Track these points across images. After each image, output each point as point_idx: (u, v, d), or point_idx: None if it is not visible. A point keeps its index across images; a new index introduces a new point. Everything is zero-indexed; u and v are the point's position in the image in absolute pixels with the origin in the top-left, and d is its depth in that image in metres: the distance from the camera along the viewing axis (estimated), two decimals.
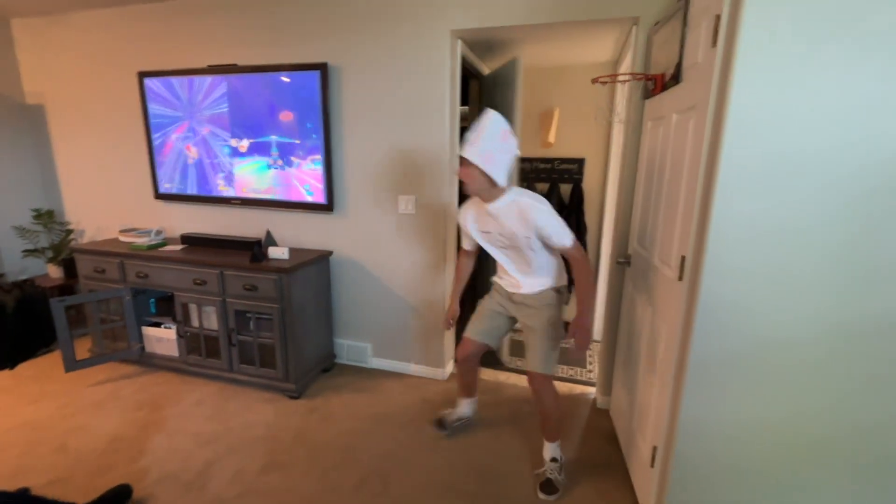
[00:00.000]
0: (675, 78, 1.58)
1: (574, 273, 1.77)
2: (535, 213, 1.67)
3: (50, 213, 3.32)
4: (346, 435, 2.19)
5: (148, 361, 2.80)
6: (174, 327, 2.68)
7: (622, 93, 2.69)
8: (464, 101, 3.10)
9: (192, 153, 2.89)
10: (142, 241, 2.75)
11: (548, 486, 1.82)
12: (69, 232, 3.40)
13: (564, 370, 2.89)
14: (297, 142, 2.62)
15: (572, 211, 3.21)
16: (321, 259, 2.66)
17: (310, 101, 2.53)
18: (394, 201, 2.58)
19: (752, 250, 1.24)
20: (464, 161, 1.69)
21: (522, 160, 3.36)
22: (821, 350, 1.24)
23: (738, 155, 1.19)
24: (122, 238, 2.87)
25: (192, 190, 2.96)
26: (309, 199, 2.69)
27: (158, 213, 3.16)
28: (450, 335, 2.76)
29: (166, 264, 2.57)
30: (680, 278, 1.42)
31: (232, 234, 2.94)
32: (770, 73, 1.14)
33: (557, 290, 1.87)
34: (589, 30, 2.31)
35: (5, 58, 3.23)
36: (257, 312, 2.47)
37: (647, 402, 1.73)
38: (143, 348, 2.77)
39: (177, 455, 2.02)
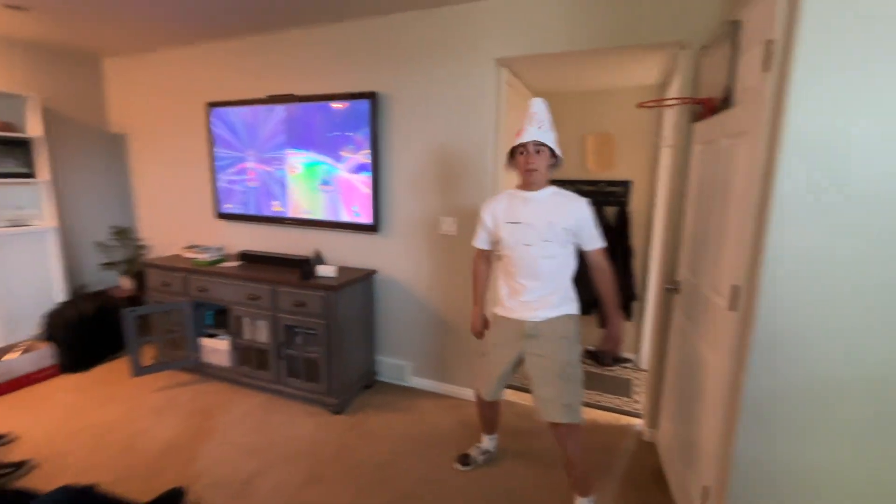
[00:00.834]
0: (726, 102, 1.54)
1: (600, 282, 1.71)
2: (580, 204, 1.68)
3: (126, 231, 3.66)
4: (383, 454, 2.21)
5: (203, 371, 2.97)
6: (228, 339, 2.84)
7: (670, 116, 2.64)
8: None
9: (251, 176, 3.10)
10: (203, 257, 2.96)
11: None
12: (141, 247, 3.72)
13: (608, 399, 2.78)
14: (347, 165, 2.75)
15: (618, 234, 3.14)
16: (366, 278, 2.75)
17: (359, 128, 2.66)
18: (435, 222, 2.64)
19: (812, 281, 1.17)
20: (535, 147, 1.66)
21: (565, 182, 3.34)
22: (892, 390, 1.14)
23: (794, 182, 1.15)
24: (186, 254, 3.11)
25: (249, 210, 3.17)
26: (356, 220, 2.80)
27: (219, 231, 3.40)
28: None
29: (224, 279, 2.74)
30: (732, 308, 1.36)
31: (284, 252, 3.10)
32: (826, 99, 1.10)
33: (573, 318, 1.73)
34: (635, 54, 2.30)
35: (96, 92, 3.65)
36: (305, 328, 2.58)
37: (697, 437, 1.64)
38: (199, 358, 2.95)
39: (225, 463, 2.12)
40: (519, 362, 1.82)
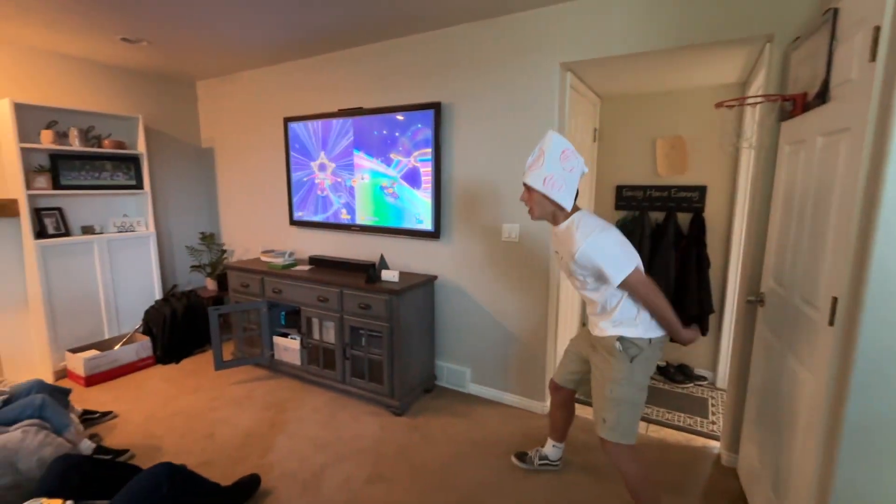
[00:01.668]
0: (821, 97, 1.41)
1: (646, 305, 1.56)
2: (581, 245, 1.52)
3: (212, 236, 4.02)
4: (445, 457, 2.23)
5: (275, 367, 3.17)
6: (299, 338, 3.01)
7: (752, 116, 2.45)
8: None
9: (322, 186, 3.29)
10: (277, 261, 3.18)
11: None
12: (224, 251, 4.07)
13: (682, 419, 2.61)
14: (410, 174, 2.84)
15: (692, 242, 2.96)
16: (427, 283, 2.81)
17: (423, 138, 2.74)
18: (497, 229, 2.64)
19: None
20: (527, 187, 1.65)
21: (634, 188, 3.21)
22: None
23: None
24: (263, 258, 3.35)
25: (319, 217, 3.36)
26: (418, 226, 2.87)
27: (292, 237, 3.63)
28: (551, 368, 2.68)
29: (296, 282, 2.92)
30: (831, 323, 1.23)
31: (351, 257, 3.25)
32: None
33: (623, 341, 1.59)
34: (713, 52, 2.17)
35: (191, 111, 4.07)
36: (369, 330, 2.67)
37: (788, 464, 1.49)
38: (272, 355, 3.15)
39: (296, 455, 2.24)
40: (587, 364, 1.84)
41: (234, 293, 3.31)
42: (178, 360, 3.41)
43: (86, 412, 2.51)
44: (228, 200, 4.09)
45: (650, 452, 2.27)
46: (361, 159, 3.04)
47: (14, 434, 1.79)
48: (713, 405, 2.77)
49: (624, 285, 1.54)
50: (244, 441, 2.36)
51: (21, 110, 2.88)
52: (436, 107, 2.66)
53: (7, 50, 2.94)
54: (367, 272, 2.70)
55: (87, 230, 3.28)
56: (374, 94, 2.99)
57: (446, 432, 2.45)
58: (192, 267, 3.98)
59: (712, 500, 1.93)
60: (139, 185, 3.51)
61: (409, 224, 2.92)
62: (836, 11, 1.37)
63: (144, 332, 3.41)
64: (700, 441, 2.38)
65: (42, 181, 3.01)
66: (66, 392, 2.32)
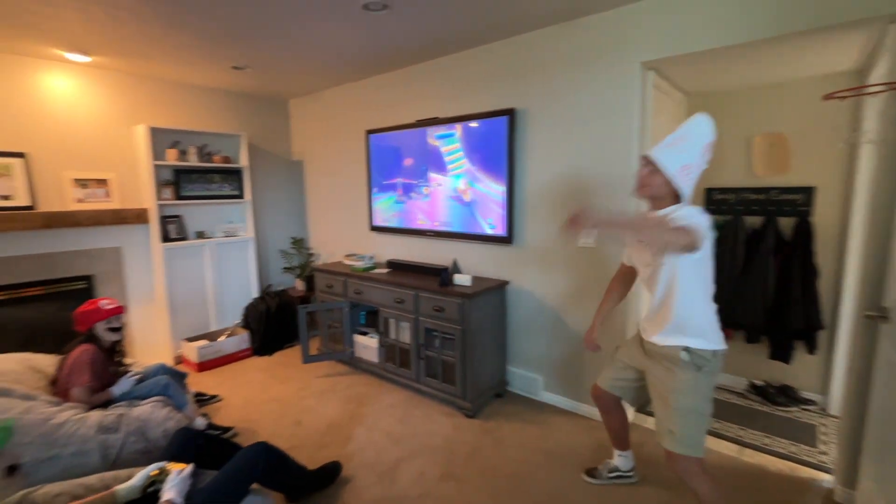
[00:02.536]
0: None
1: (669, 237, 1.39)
2: (680, 213, 1.44)
3: (301, 241, 4.38)
4: (516, 463, 2.22)
5: (355, 364, 3.37)
6: (377, 337, 3.18)
7: (873, 107, 2.16)
8: None
9: (399, 193, 3.46)
10: (358, 264, 3.38)
11: None
12: (311, 255, 4.41)
13: (784, 445, 2.34)
14: (483, 179, 2.88)
15: (796, 250, 2.65)
16: (499, 288, 2.82)
17: (497, 143, 2.77)
18: (573, 234, 2.58)
19: None
20: (650, 164, 1.55)
21: (725, 190, 2.96)
22: None
23: None
24: (345, 261, 3.58)
25: (397, 224, 3.53)
26: (490, 232, 2.90)
27: (372, 242, 3.85)
28: None
29: (375, 284, 3.09)
30: None
31: (425, 261, 3.37)
32: None
33: (689, 351, 1.51)
34: (822, 37, 1.96)
35: (284, 127, 4.49)
36: (442, 332, 2.75)
37: None
38: (353, 352, 3.36)
39: (373, 447, 2.37)
40: (639, 378, 1.80)
41: (320, 293, 3.58)
42: (271, 353, 3.75)
43: (198, 394, 2.86)
44: (316, 208, 4.44)
45: (744, 479, 2.07)
46: (435, 167, 3.15)
47: (145, 408, 2.10)
48: (823, 433, 2.45)
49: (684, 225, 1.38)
50: (327, 430, 2.54)
51: (154, 133, 3.38)
52: (510, 113, 2.69)
53: (145, 83, 3.48)
54: (441, 276, 2.78)
55: (200, 235, 3.75)
56: (449, 104, 3.09)
57: (518, 438, 2.43)
58: (284, 269, 4.37)
59: None
60: (241, 195, 3.94)
61: (481, 230, 2.96)
62: None
63: (243, 327, 3.80)
64: (806, 472, 2.13)
65: (167, 193, 3.51)
66: (184, 375, 2.66)
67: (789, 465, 2.18)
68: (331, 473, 2.08)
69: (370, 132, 3.59)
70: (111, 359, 2.31)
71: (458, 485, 2.06)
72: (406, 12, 2.31)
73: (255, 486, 1.63)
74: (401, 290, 2.92)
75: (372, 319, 3.33)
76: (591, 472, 2.09)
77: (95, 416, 1.95)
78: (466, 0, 2.18)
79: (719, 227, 2.93)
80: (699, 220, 1.41)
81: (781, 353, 2.77)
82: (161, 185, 3.48)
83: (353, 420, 2.64)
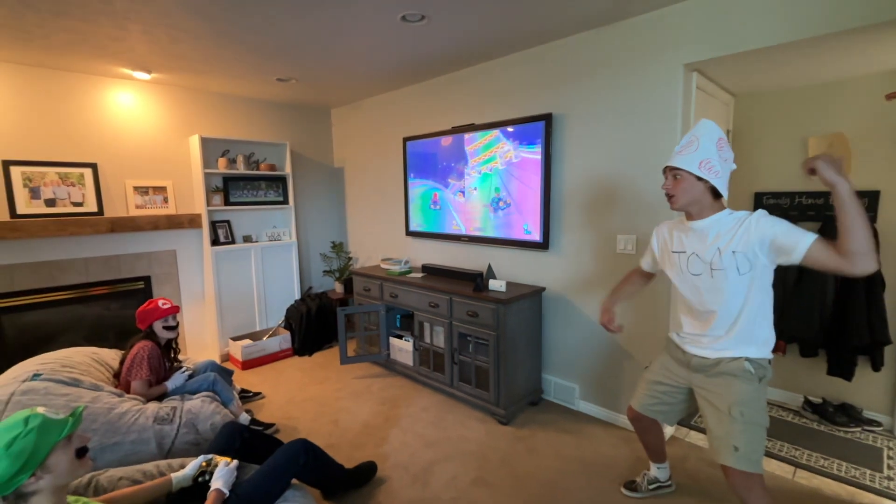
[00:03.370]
0: None
1: (841, 251, 1.25)
2: (753, 219, 1.41)
3: (341, 245, 4.52)
4: (550, 471, 2.19)
5: (391, 366, 3.43)
6: (412, 341, 3.22)
7: None
8: None
9: (435, 198, 3.50)
10: (394, 268, 3.45)
11: None
12: (350, 259, 4.54)
13: (844, 468, 2.18)
14: (519, 184, 2.87)
15: None
16: (534, 294, 2.80)
17: (533, 149, 2.76)
18: (611, 240, 2.53)
19: None
20: (674, 172, 1.53)
21: (778, 195, 2.81)
22: None
23: None
24: (382, 265, 3.66)
25: (432, 229, 3.58)
26: (526, 237, 2.89)
27: (408, 246, 3.92)
28: None
29: (410, 288, 3.14)
30: None
31: (460, 266, 3.39)
32: None
33: (752, 361, 1.47)
34: (880, 32, 1.83)
35: (326, 136, 4.65)
36: (476, 337, 2.75)
37: None
38: (388, 355, 3.42)
39: (407, 449, 2.40)
40: (680, 397, 1.75)
41: (357, 296, 3.67)
42: (310, 353, 3.89)
43: (242, 391, 3.01)
44: (355, 213, 4.57)
45: (798, 502, 1.95)
46: (472, 172, 3.17)
47: (196, 402, 2.24)
48: (890, 457, 2.26)
49: (812, 251, 1.29)
50: (362, 430, 2.60)
51: (205, 143, 3.61)
52: (547, 118, 2.67)
53: (197, 95, 3.72)
54: (475, 281, 2.79)
55: (247, 239, 3.95)
56: (485, 110, 3.11)
57: (553, 447, 2.40)
58: (324, 272, 4.52)
59: None
60: (285, 201, 4.11)
61: (517, 235, 2.95)
62: None
63: (285, 327, 3.96)
64: (868, 498, 1.97)
65: (217, 199, 3.72)
66: (231, 373, 2.80)
67: (849, 489, 2.03)
68: (366, 473, 2.13)
69: (407, 139, 3.66)
70: (167, 355, 2.47)
71: (491, 490, 2.06)
72: (443, 22, 2.36)
73: (294, 480, 1.70)
74: (435, 294, 2.95)
75: (407, 323, 3.38)
76: (631, 486, 2.03)
77: (152, 407, 2.10)
78: (503, 8, 2.19)
79: None
80: (795, 227, 1.37)
81: (842, 370, 2.58)
82: (211, 191, 3.70)
83: (387, 421, 2.69)
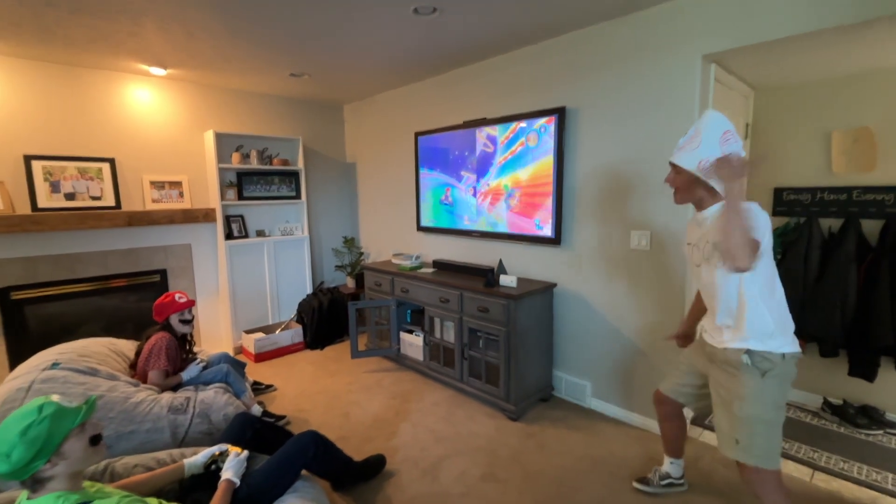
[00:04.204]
0: None
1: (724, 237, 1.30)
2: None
3: (352, 240, 4.54)
4: (560, 469, 2.17)
5: (401, 361, 3.44)
6: (422, 336, 3.22)
7: None
8: None
9: (447, 193, 3.49)
10: (405, 263, 3.45)
11: None
12: (361, 253, 4.56)
13: (865, 471, 2.12)
14: (531, 179, 2.84)
15: (883, 256, 2.39)
16: (546, 290, 2.77)
17: (546, 143, 2.73)
18: (625, 236, 2.49)
19: None
20: (675, 168, 1.56)
21: (798, 190, 2.73)
22: None
23: None
24: (393, 260, 3.67)
25: (443, 224, 3.57)
26: (538, 232, 2.86)
27: (419, 241, 3.91)
28: None
29: (421, 283, 3.14)
30: None
31: (471, 261, 3.37)
32: None
33: (752, 354, 1.43)
34: None
35: (339, 131, 4.67)
36: (487, 332, 2.74)
37: None
38: (399, 349, 3.43)
39: (417, 444, 2.40)
40: (705, 381, 1.71)
41: (369, 291, 3.69)
42: (322, 347, 3.92)
43: (255, 383, 3.04)
44: (366, 208, 4.59)
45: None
46: (482, 167, 3.15)
47: (209, 393, 2.27)
48: None
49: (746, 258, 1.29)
50: (373, 423, 2.62)
51: (219, 138, 3.65)
52: (560, 112, 2.63)
53: (212, 91, 3.76)
54: (486, 276, 2.77)
55: (260, 233, 3.99)
56: (497, 104, 3.08)
57: (562, 444, 2.38)
58: (336, 267, 4.55)
59: None
60: (298, 196, 4.14)
61: (529, 230, 2.92)
62: None
63: (297, 321, 3.99)
64: (891, 502, 1.91)
65: (231, 194, 3.76)
66: (243, 365, 2.84)
67: (870, 493, 1.97)
68: (375, 466, 2.14)
69: (419, 134, 3.65)
70: (182, 347, 2.51)
71: (500, 486, 2.05)
72: (455, 14, 2.33)
73: (304, 472, 1.71)
74: (446, 289, 2.94)
75: (418, 318, 3.38)
76: (643, 480, 2.01)
77: (167, 397, 2.14)
78: (515, 0, 2.16)
79: (790, 231, 2.71)
80: (760, 222, 1.34)
81: (864, 370, 2.50)
82: (225, 186, 3.74)
83: (397, 416, 2.70)
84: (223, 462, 1.55)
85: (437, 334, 3.12)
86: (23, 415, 1.09)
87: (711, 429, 2.48)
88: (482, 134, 3.12)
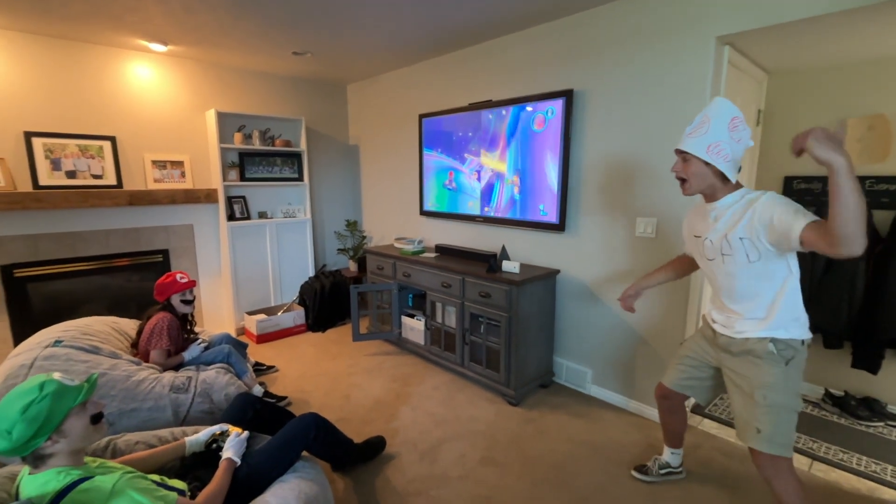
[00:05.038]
0: None
1: (828, 235, 1.16)
2: (759, 203, 1.35)
3: (355, 223, 4.51)
4: (558, 454, 2.18)
5: (402, 344, 3.45)
6: (423, 320, 3.22)
7: None
8: None
9: (450, 177, 3.45)
10: (408, 247, 3.43)
11: None
12: (363, 237, 4.54)
13: (864, 463, 2.12)
14: (536, 164, 2.79)
15: (893, 246, 2.35)
16: (548, 276, 2.75)
17: (552, 127, 2.67)
18: (630, 223, 2.46)
19: None
20: (682, 155, 1.51)
21: (809, 179, 2.67)
22: None
23: None
24: (396, 244, 3.65)
25: (446, 208, 3.53)
26: (542, 218, 2.82)
27: (422, 226, 3.89)
28: None
29: (423, 268, 3.13)
30: None
31: (474, 246, 3.35)
32: None
33: (777, 342, 1.41)
34: None
35: (342, 112, 4.60)
36: (488, 318, 2.73)
37: None
38: (400, 333, 3.43)
39: (417, 427, 2.42)
40: (712, 375, 1.72)
41: (371, 275, 3.68)
42: (323, 330, 3.93)
43: (256, 364, 3.06)
44: (369, 191, 4.55)
45: (812, 495, 1.90)
46: (488, 151, 3.10)
47: (211, 373, 2.28)
48: None
49: (807, 233, 1.22)
50: (373, 406, 2.63)
51: (221, 118, 3.60)
52: (567, 94, 2.57)
53: (214, 69, 3.69)
54: (489, 262, 2.75)
55: (262, 215, 3.97)
56: (503, 87, 3.01)
57: (562, 430, 2.38)
58: (338, 250, 4.54)
59: None
60: (300, 178, 4.11)
61: (533, 216, 2.88)
62: None
63: (299, 303, 4.00)
64: (890, 494, 1.91)
65: (233, 175, 3.73)
66: (245, 346, 2.85)
67: (868, 484, 1.97)
68: (375, 447, 2.15)
69: (423, 116, 3.59)
70: (183, 327, 2.51)
71: (499, 470, 2.06)
72: None
73: (304, 453, 1.72)
74: (448, 274, 2.93)
75: (419, 302, 3.38)
76: (642, 469, 2.01)
77: (168, 376, 2.15)
78: None
79: None
80: (795, 211, 1.27)
81: (867, 362, 2.48)
82: (227, 167, 3.71)
83: (398, 399, 2.72)
84: (224, 442, 1.56)
85: (439, 319, 3.12)
86: (24, 392, 1.09)
87: (711, 417, 2.49)
88: (488, 116, 3.06)
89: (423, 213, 3.76)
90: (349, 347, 3.52)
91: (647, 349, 2.47)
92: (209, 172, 3.73)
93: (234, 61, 3.62)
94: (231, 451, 1.50)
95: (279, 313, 3.80)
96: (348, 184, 4.71)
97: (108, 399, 1.91)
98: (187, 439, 1.56)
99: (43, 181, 2.98)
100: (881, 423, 2.43)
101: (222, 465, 1.45)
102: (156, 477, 1.28)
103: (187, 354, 2.40)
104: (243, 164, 3.80)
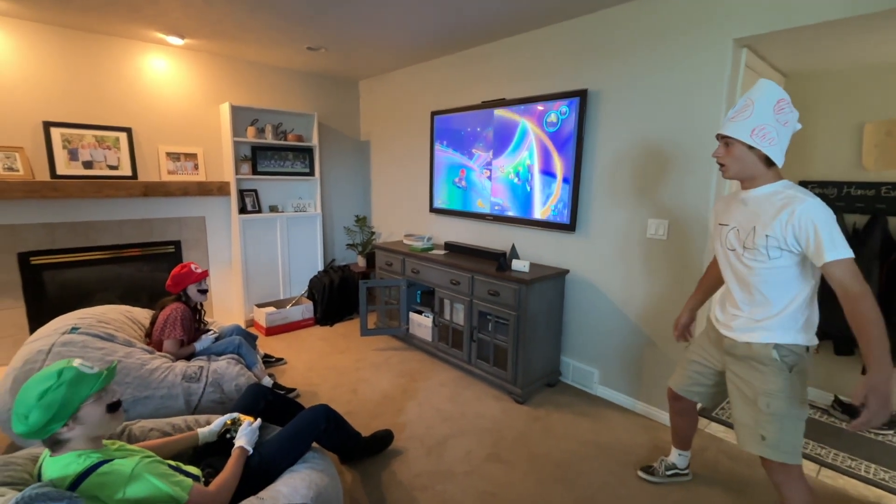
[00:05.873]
0: None
1: (848, 314, 1.25)
2: (802, 206, 1.28)
3: (364, 219, 4.53)
4: (565, 453, 2.19)
5: (409, 340, 3.47)
6: (431, 317, 3.24)
7: None
8: None
9: (461, 175, 3.45)
10: (417, 244, 3.44)
11: None
12: (372, 233, 4.56)
13: (873, 470, 2.11)
14: (548, 164, 2.79)
15: None
16: (558, 276, 2.75)
17: (565, 127, 2.67)
18: (642, 224, 2.45)
19: None
20: (725, 140, 1.43)
21: (825, 184, 2.65)
22: None
23: None
24: (405, 241, 3.66)
25: (456, 206, 3.54)
26: (553, 218, 2.82)
27: (431, 223, 3.90)
28: None
29: (432, 265, 3.14)
30: None
31: (483, 244, 3.35)
32: None
33: (780, 348, 1.39)
34: None
35: (354, 108, 4.62)
36: (496, 316, 2.74)
37: None
38: (408, 329, 3.45)
39: (424, 422, 2.44)
40: (716, 379, 1.70)
41: (379, 270, 3.70)
42: (332, 324, 3.96)
43: (266, 355, 3.09)
44: (379, 187, 4.57)
45: (821, 502, 1.90)
46: (500, 149, 3.10)
47: (221, 363, 2.31)
48: None
49: (834, 268, 1.25)
50: (381, 401, 2.65)
51: (235, 111, 3.63)
52: (582, 94, 2.57)
53: (229, 63, 3.72)
54: (498, 260, 2.76)
55: (273, 209, 4.00)
56: (516, 85, 3.01)
57: (569, 429, 2.39)
58: (348, 245, 4.56)
59: None
60: (311, 173, 4.13)
61: (543, 216, 2.88)
62: None
63: (308, 297, 4.03)
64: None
65: (245, 168, 3.76)
66: (255, 337, 2.88)
67: (876, 492, 1.96)
68: (382, 441, 2.18)
69: (435, 113, 3.60)
70: (195, 317, 2.55)
71: (505, 467, 2.08)
72: None
73: (314, 444, 1.75)
74: (457, 271, 2.94)
75: (427, 299, 3.39)
76: (648, 470, 2.01)
77: (180, 366, 2.18)
78: None
79: None
80: (838, 236, 1.26)
81: None
82: (240, 160, 3.74)
83: (405, 394, 2.74)
84: (236, 430, 1.59)
85: (447, 316, 3.13)
86: (43, 378, 1.12)
87: (718, 421, 2.48)
88: (500, 115, 3.06)
89: (433, 210, 3.77)
90: (357, 342, 3.55)
91: (655, 351, 2.47)
92: (222, 165, 3.77)
93: (250, 55, 3.65)
94: (244, 439, 1.52)
95: (288, 306, 3.84)
96: (358, 179, 4.73)
97: (122, 386, 1.94)
98: (200, 431, 1.58)
99: (60, 171, 3.03)
100: (891, 432, 2.41)
101: (235, 453, 1.48)
102: (172, 462, 1.31)
103: (199, 345, 2.43)
104: (255, 157, 3.83)
